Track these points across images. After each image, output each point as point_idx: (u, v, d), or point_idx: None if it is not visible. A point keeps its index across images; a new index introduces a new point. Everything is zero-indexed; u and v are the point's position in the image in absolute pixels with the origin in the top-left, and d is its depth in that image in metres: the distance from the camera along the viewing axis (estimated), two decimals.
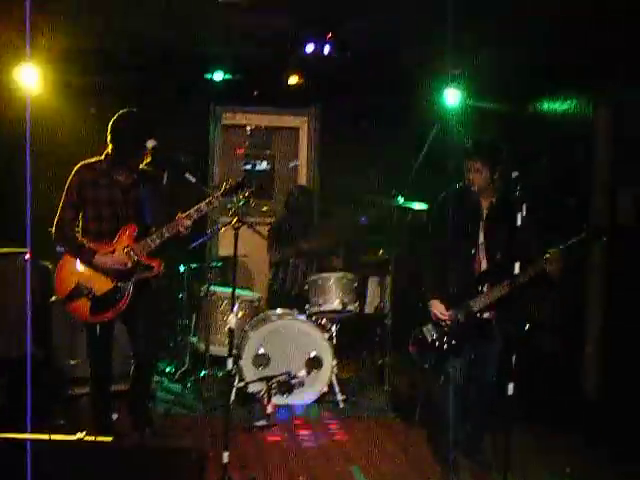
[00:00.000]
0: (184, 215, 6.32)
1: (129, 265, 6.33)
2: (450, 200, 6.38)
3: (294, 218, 9.12)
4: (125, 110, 6.36)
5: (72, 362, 7.86)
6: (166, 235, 6.33)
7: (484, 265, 6.31)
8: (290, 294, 8.91)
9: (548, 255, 5.99)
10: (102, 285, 6.31)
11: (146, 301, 6.56)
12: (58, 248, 6.38)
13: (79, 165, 6.37)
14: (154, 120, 6.49)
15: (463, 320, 6.19)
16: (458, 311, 6.20)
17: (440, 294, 6.26)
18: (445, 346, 6.24)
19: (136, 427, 6.66)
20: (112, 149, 6.32)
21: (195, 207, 6.31)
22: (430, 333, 6.29)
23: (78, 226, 6.40)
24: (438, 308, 6.22)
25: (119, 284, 6.32)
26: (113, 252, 6.31)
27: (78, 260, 6.29)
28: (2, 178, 8.96)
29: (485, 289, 6.20)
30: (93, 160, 6.40)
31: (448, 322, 6.20)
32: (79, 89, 9.18)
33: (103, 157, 6.37)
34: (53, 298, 6.39)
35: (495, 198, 6.29)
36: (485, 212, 6.32)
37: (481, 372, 6.39)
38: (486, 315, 6.24)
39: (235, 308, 7.76)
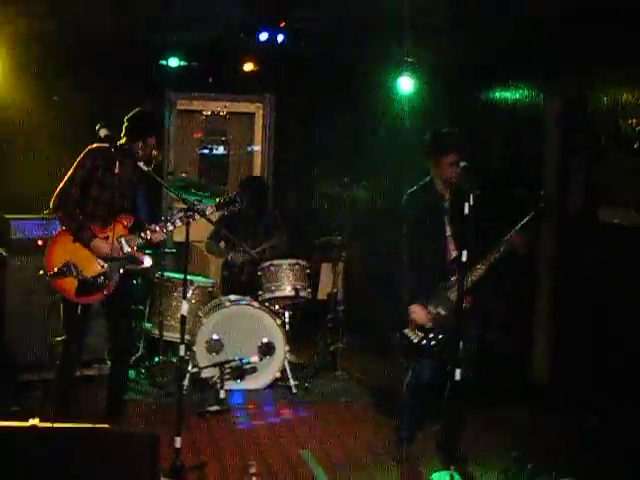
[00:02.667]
0: (157, 227, 6.46)
1: (121, 255, 6.38)
2: (416, 198, 6.36)
3: (245, 214, 9.13)
4: (141, 110, 6.59)
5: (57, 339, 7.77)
6: (149, 237, 6.45)
7: (454, 255, 6.30)
8: (241, 280, 8.96)
9: (511, 234, 6.08)
10: (91, 268, 6.34)
11: (127, 293, 6.66)
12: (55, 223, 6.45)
13: (94, 146, 6.41)
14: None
15: (445, 313, 6.17)
16: (438, 306, 6.17)
17: (419, 297, 6.20)
18: (433, 342, 6.14)
19: (110, 416, 6.68)
20: (125, 142, 6.40)
21: (171, 222, 6.47)
22: (415, 334, 6.19)
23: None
24: (419, 314, 6.14)
25: (107, 270, 6.37)
26: (107, 238, 6.35)
27: (74, 238, 6.31)
28: None
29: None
30: (105, 145, 6.40)
31: (430, 323, 6.15)
32: (36, 74, 9.13)
33: (113, 145, 6.34)
34: (41, 272, 6.40)
35: (452, 189, 6.31)
36: (447, 204, 6.33)
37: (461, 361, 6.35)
38: (465, 304, 6.17)
39: (189, 295, 7.88)
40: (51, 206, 6.38)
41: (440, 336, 6.16)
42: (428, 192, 6.35)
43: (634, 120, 7.05)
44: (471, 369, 6.20)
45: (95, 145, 6.42)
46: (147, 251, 8.68)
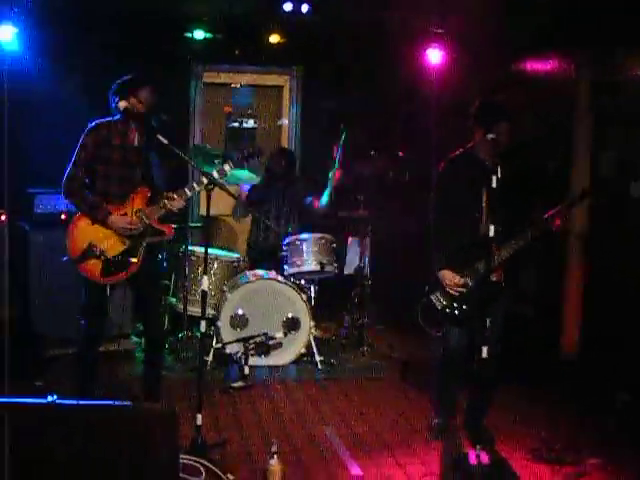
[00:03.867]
0: (175, 194, 6.31)
1: (140, 229, 6.29)
2: (458, 165, 6.26)
3: (274, 182, 9.13)
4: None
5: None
6: (168, 207, 6.32)
7: (492, 230, 6.19)
8: (267, 251, 8.91)
9: (552, 213, 5.97)
10: (114, 247, 6.27)
11: (154, 267, 6.60)
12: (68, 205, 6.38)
13: (95, 123, 6.30)
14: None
15: (473, 285, 6.10)
16: (467, 276, 6.10)
17: (449, 263, 6.12)
18: (456, 312, 6.11)
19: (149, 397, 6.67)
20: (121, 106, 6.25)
21: (188, 186, 6.32)
22: (439, 301, 6.14)
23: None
24: (450, 277, 6.08)
25: (131, 247, 6.29)
26: (124, 215, 6.26)
27: (91, 219, 6.23)
28: None
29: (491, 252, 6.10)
30: (107, 119, 6.34)
31: (460, 289, 6.10)
32: (60, 48, 9.06)
33: (116, 117, 6.32)
34: (65, 258, 6.35)
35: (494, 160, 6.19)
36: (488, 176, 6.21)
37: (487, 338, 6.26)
38: (494, 278, 6.08)
39: (213, 269, 7.83)
40: (62, 193, 6.31)
41: (464, 307, 6.09)
42: (470, 159, 6.23)
43: None
44: (497, 345, 6.11)
45: (96, 122, 6.32)
46: (174, 226, 8.69)
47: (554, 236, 6.14)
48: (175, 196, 6.31)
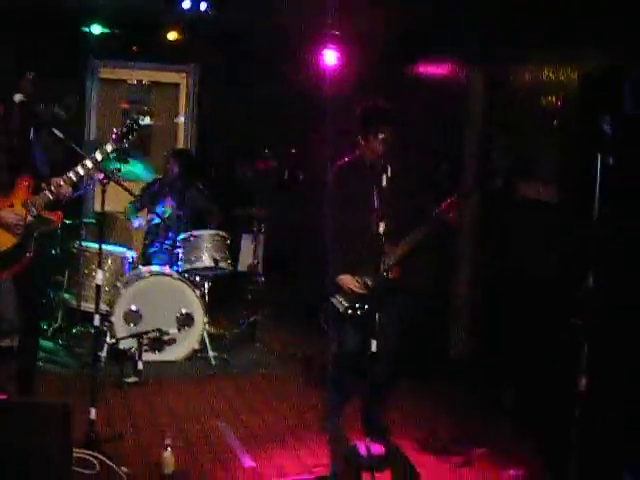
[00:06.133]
0: (61, 180, 6.18)
1: (29, 220, 6.16)
2: (345, 170, 6.34)
3: (171, 182, 9.15)
4: None
5: None
6: (55, 194, 6.14)
7: (382, 228, 6.29)
8: (163, 248, 8.92)
9: (445, 206, 6.07)
10: (5, 241, 6.08)
11: (42, 259, 6.42)
12: None
13: None
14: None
15: (372, 284, 6.15)
16: (366, 277, 6.17)
17: (346, 267, 6.20)
18: (358, 312, 6.17)
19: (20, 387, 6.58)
20: None
21: (72, 170, 6.17)
22: (341, 304, 6.19)
23: None
24: (349, 281, 6.15)
25: (22, 239, 6.17)
26: (11, 206, 6.13)
27: None
28: None
29: (386, 250, 6.21)
30: None
31: (360, 291, 6.17)
32: None
33: None
34: None
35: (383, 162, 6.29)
36: (378, 176, 6.32)
37: (385, 336, 6.35)
38: (391, 276, 6.17)
39: (107, 265, 7.81)
40: None
41: (366, 306, 6.19)
42: (357, 164, 6.32)
43: (554, 97, 7.11)
44: (397, 342, 6.24)
45: None
46: (67, 221, 8.62)
47: (449, 230, 6.29)
48: (61, 182, 6.15)
